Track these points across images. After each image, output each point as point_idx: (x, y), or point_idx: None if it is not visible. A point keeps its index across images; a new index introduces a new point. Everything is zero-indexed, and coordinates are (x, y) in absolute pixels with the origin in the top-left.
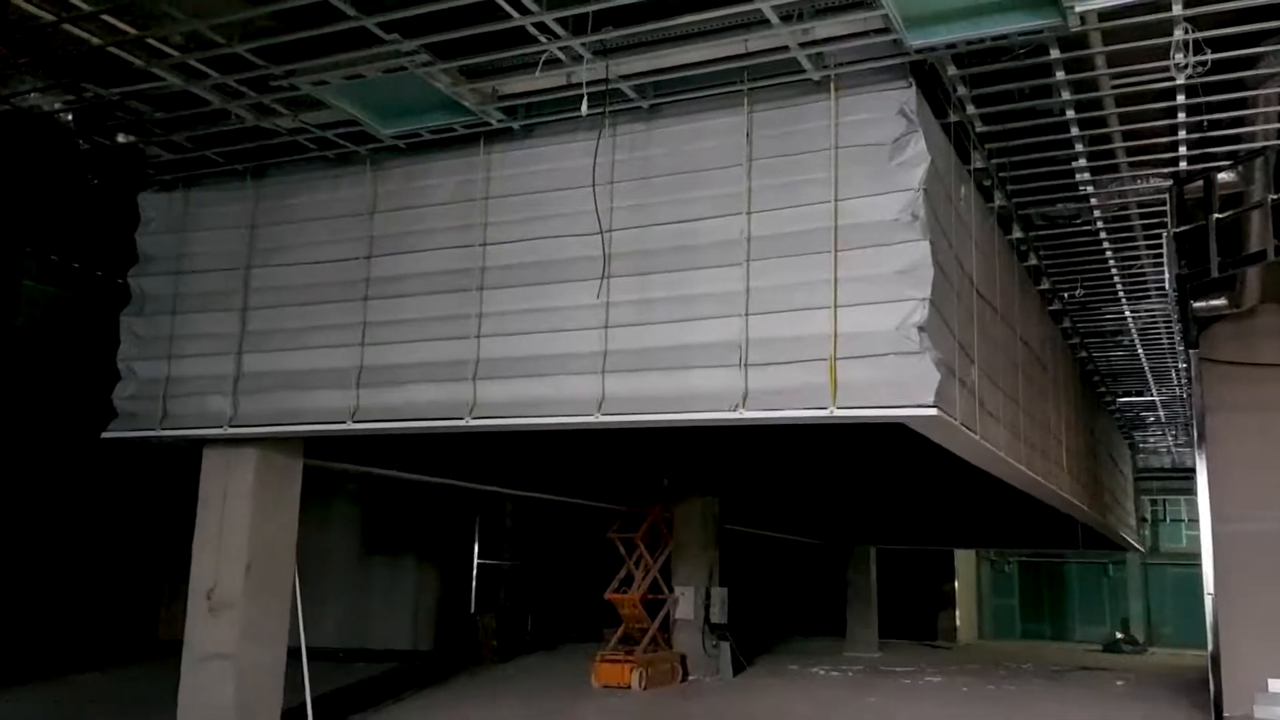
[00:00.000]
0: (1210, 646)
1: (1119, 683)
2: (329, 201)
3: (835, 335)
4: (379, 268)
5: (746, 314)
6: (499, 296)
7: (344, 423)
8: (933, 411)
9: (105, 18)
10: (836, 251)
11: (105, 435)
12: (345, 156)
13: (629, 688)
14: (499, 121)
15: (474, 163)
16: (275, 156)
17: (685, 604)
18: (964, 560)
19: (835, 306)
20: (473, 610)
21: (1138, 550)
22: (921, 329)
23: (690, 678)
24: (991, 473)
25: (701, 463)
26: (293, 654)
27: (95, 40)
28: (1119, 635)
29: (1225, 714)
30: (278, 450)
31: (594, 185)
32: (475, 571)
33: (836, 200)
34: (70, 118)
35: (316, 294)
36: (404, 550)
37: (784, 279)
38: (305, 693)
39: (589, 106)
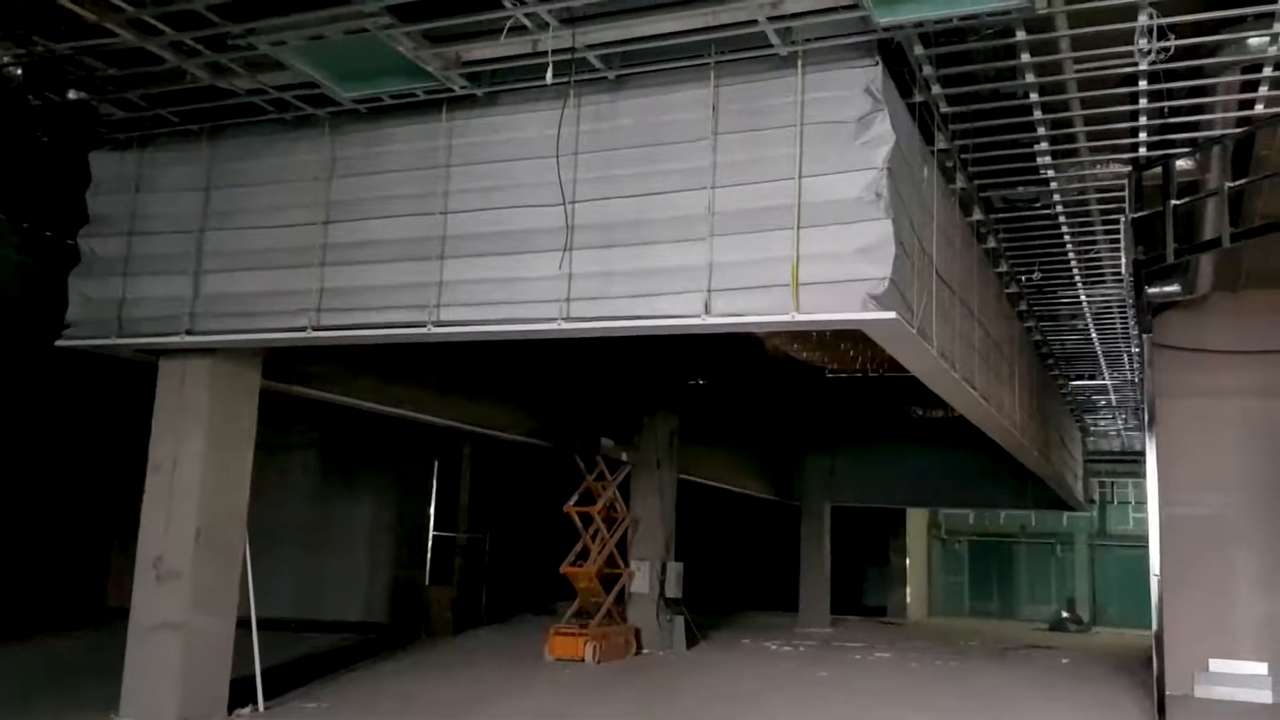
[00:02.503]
0: (1154, 626)
1: (1064, 660)
2: (286, 165)
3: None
4: (337, 234)
5: (709, 290)
6: (458, 266)
7: (304, 330)
8: (890, 314)
9: None
10: (799, 229)
11: (59, 344)
12: (304, 119)
13: (583, 661)
14: (462, 88)
15: (436, 129)
16: (232, 117)
17: (641, 578)
18: (915, 539)
19: (796, 285)
20: (427, 583)
21: (1087, 509)
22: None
23: (644, 651)
24: (948, 399)
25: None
26: (242, 624)
27: None
28: (1065, 615)
29: (1167, 692)
30: (234, 363)
31: (558, 155)
32: (430, 544)
33: (800, 177)
34: (20, 72)
35: (272, 260)
36: (358, 522)
37: (746, 255)
38: (255, 663)
39: (554, 76)
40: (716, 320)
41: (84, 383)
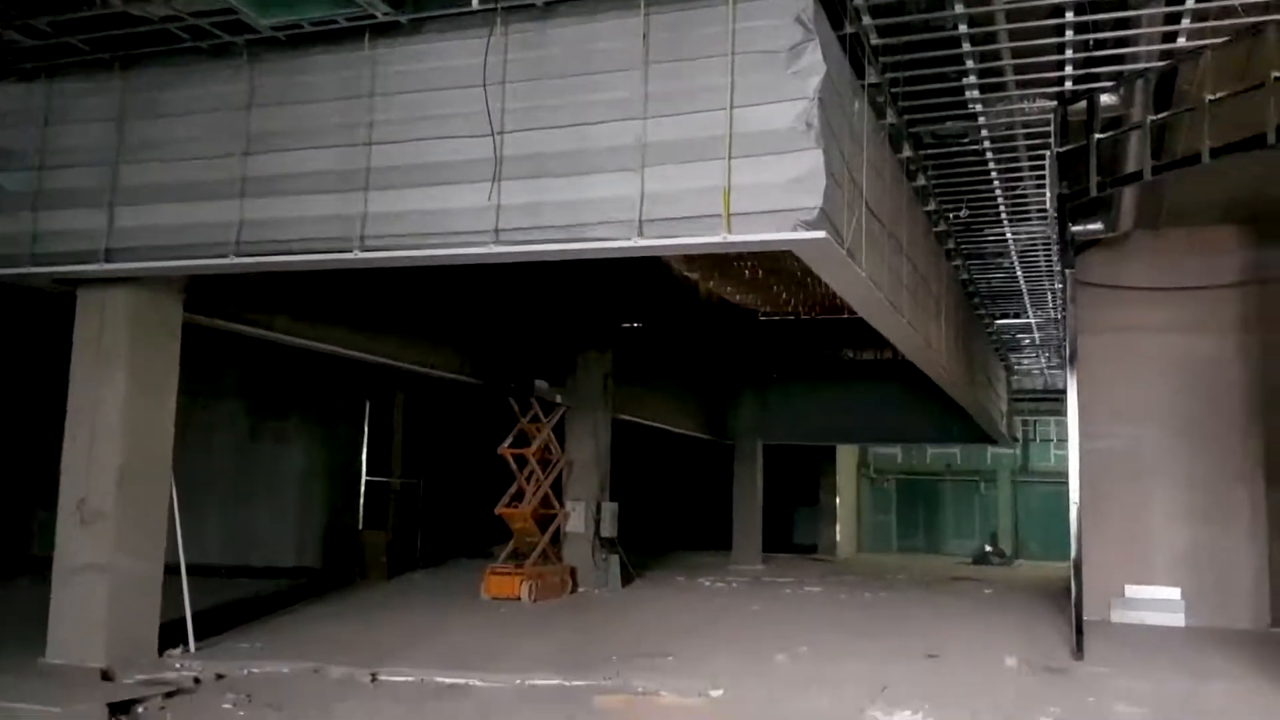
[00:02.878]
0: (1073, 554)
1: (987, 591)
2: (203, 96)
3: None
4: (256, 166)
5: (640, 220)
6: (385, 198)
7: (226, 256)
8: (820, 234)
9: None
10: (730, 159)
11: None
12: (221, 49)
13: (518, 599)
14: (385, 14)
15: (359, 58)
16: (146, 46)
17: (576, 518)
18: (845, 477)
19: (728, 214)
20: (360, 527)
21: (1011, 444)
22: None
23: (580, 590)
24: (877, 325)
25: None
26: (172, 570)
27: None
28: (988, 549)
29: (1085, 618)
30: (155, 294)
31: (484, 85)
32: (363, 488)
33: (732, 107)
34: None
35: (190, 193)
36: (289, 468)
37: (679, 185)
38: (185, 606)
39: (480, 1)
40: (648, 243)
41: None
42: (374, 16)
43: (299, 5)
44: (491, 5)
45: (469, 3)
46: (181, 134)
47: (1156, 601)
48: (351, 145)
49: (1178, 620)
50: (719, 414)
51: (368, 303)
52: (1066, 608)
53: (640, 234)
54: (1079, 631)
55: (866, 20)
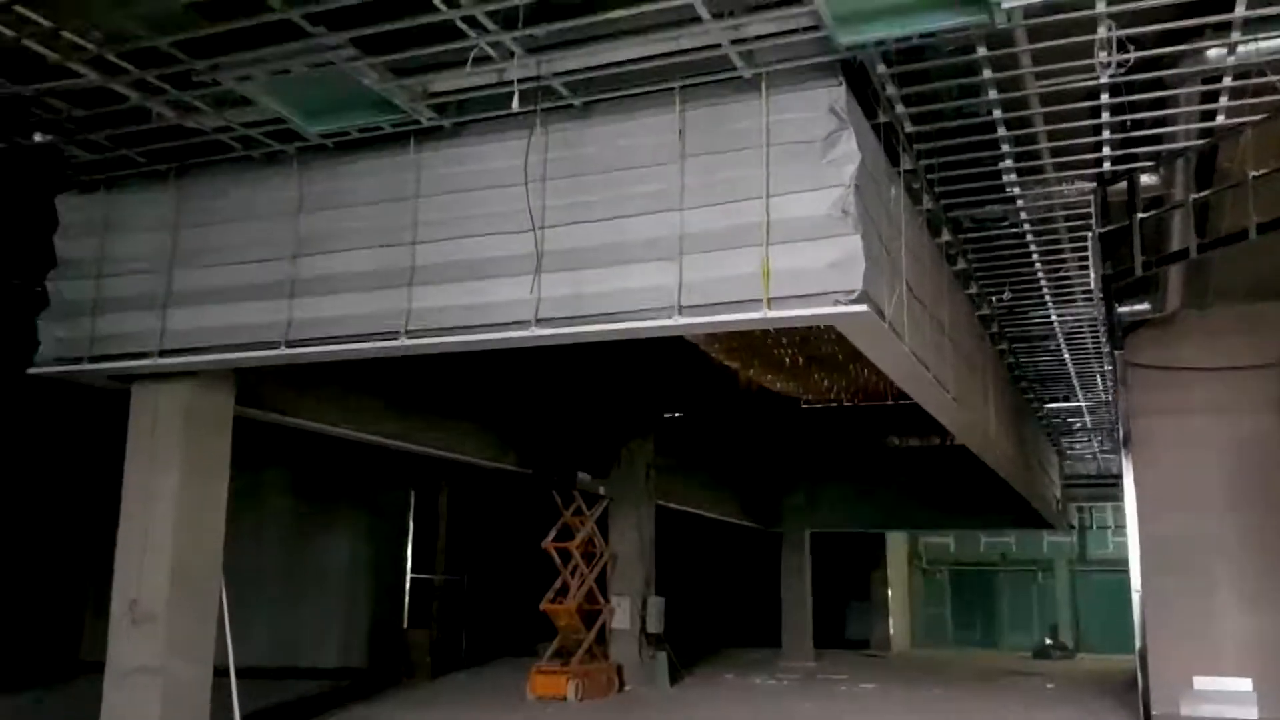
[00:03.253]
0: (1138, 644)
1: (1049, 686)
2: (254, 201)
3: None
4: (305, 268)
5: (679, 306)
6: (428, 293)
7: (276, 348)
8: (862, 308)
9: (18, 9)
10: (768, 245)
11: (31, 371)
12: (271, 156)
13: (565, 699)
14: (429, 120)
15: (403, 162)
16: (199, 156)
17: (621, 614)
18: (896, 570)
19: (767, 299)
20: (405, 625)
21: (1067, 529)
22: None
23: (627, 688)
24: (923, 402)
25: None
26: (220, 672)
27: (9, 33)
28: (1048, 642)
29: (1153, 712)
30: (208, 388)
31: (526, 183)
32: (408, 586)
33: (768, 196)
34: None
35: (241, 295)
36: (334, 567)
37: (717, 274)
38: (234, 711)
39: (520, 104)
40: (688, 321)
41: (54, 430)
42: (418, 122)
43: (346, 113)
44: (531, 108)
45: (510, 106)
46: (234, 239)
47: (1227, 694)
48: (397, 245)
49: (1250, 713)
50: (764, 502)
51: (414, 394)
52: (1133, 702)
53: (679, 314)
54: None
55: (900, 109)
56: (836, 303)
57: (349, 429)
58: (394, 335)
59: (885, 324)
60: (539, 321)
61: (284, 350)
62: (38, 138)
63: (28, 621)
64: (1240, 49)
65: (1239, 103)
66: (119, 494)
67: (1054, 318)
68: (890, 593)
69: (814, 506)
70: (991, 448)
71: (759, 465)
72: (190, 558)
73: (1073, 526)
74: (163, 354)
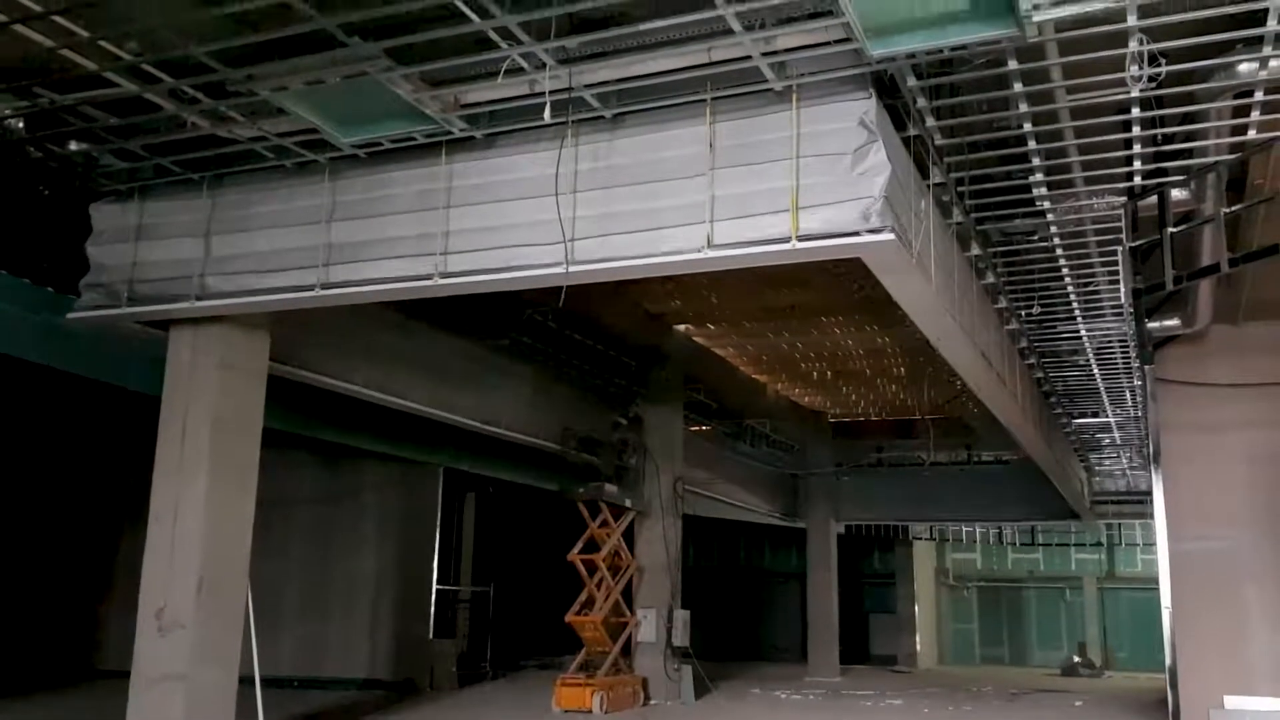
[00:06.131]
0: (1168, 662)
1: (1077, 703)
2: (287, 211)
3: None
4: (336, 276)
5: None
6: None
7: (312, 289)
8: (889, 236)
9: (57, 19)
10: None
11: (70, 316)
12: (304, 165)
13: (590, 711)
14: (461, 130)
15: (435, 172)
16: (232, 165)
17: (647, 627)
18: (923, 586)
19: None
20: (431, 636)
21: (1092, 519)
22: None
23: (652, 701)
24: (954, 363)
25: None
26: (245, 681)
27: (47, 43)
28: (1076, 659)
29: None
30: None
31: (557, 194)
32: (434, 598)
33: (798, 209)
34: (20, 125)
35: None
36: (360, 577)
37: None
38: (259, 718)
39: (552, 115)
40: (717, 254)
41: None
42: (450, 132)
43: (379, 124)
44: (562, 119)
45: (541, 117)
46: (264, 247)
47: (1259, 714)
48: (428, 255)
49: None
50: (791, 495)
51: (446, 362)
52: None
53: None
54: None
55: (930, 122)
56: (867, 217)
57: (382, 393)
58: (428, 276)
59: (913, 259)
60: (571, 261)
61: (319, 292)
62: (73, 146)
63: (46, 632)
64: (1272, 64)
65: (1270, 117)
66: (136, 501)
67: (1083, 332)
68: (917, 608)
69: (840, 499)
70: (1023, 421)
71: (787, 465)
72: (217, 563)
73: (1100, 544)
74: (200, 298)
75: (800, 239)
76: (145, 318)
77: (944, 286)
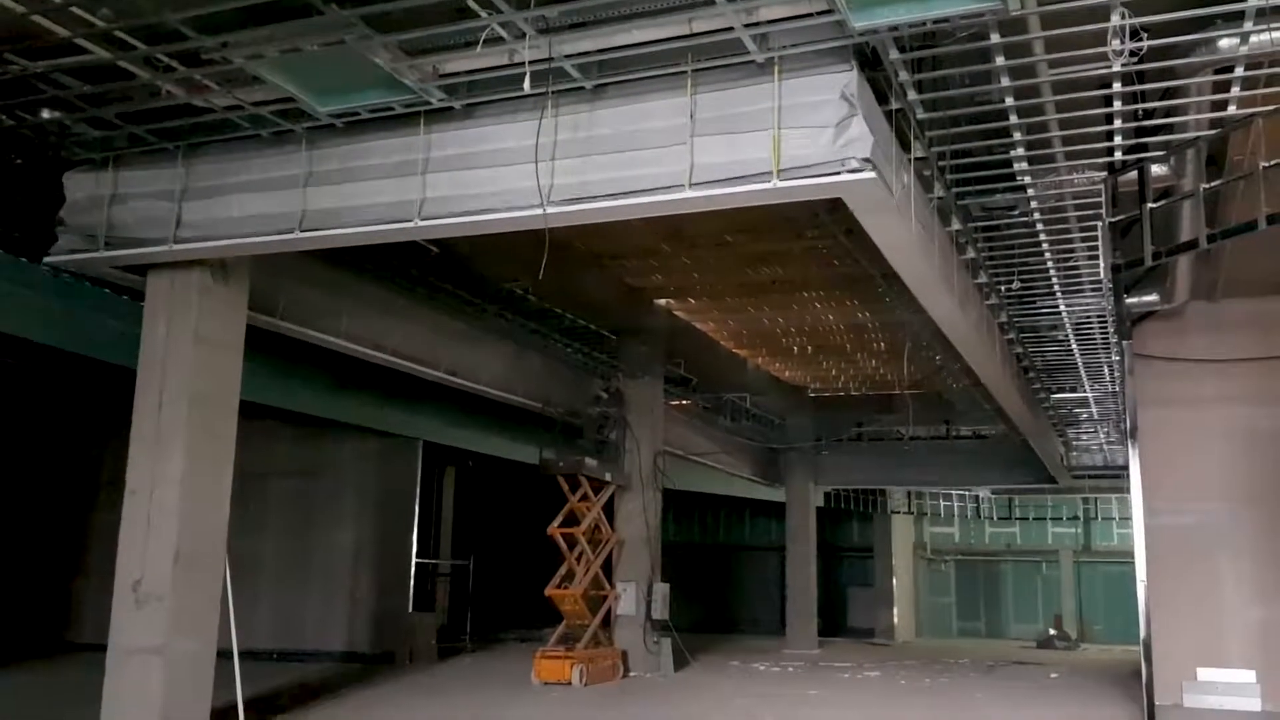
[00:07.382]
0: (1143, 634)
1: (1052, 675)
2: (262, 180)
3: None
4: (310, 244)
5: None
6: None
7: (291, 232)
8: (870, 174)
9: None
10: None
11: (47, 260)
12: (280, 134)
13: (569, 684)
14: (439, 100)
15: (413, 142)
16: (208, 135)
17: (627, 600)
18: (901, 559)
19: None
20: (410, 610)
21: (1069, 479)
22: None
23: (631, 674)
24: (933, 313)
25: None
26: (223, 654)
27: (18, 8)
28: (1052, 632)
29: (1156, 702)
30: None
31: (536, 163)
32: (413, 571)
33: (778, 183)
34: None
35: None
36: (339, 551)
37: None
38: (237, 690)
39: (532, 85)
40: (696, 194)
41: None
42: (429, 102)
43: (356, 93)
44: (542, 89)
45: (521, 88)
46: (238, 213)
47: (1230, 685)
48: (405, 223)
49: (1253, 704)
50: (771, 462)
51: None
52: (1136, 692)
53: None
54: (1151, 717)
55: (912, 95)
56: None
57: (363, 346)
58: (408, 219)
59: (893, 197)
60: (550, 202)
61: (298, 234)
62: (45, 115)
63: (13, 601)
64: (1252, 39)
65: (1250, 93)
66: (110, 474)
67: (1062, 308)
68: (895, 582)
69: (820, 465)
70: (1004, 380)
71: (767, 434)
72: (195, 536)
73: (1076, 517)
74: (178, 241)
75: (782, 176)
76: (122, 262)
77: (924, 236)
